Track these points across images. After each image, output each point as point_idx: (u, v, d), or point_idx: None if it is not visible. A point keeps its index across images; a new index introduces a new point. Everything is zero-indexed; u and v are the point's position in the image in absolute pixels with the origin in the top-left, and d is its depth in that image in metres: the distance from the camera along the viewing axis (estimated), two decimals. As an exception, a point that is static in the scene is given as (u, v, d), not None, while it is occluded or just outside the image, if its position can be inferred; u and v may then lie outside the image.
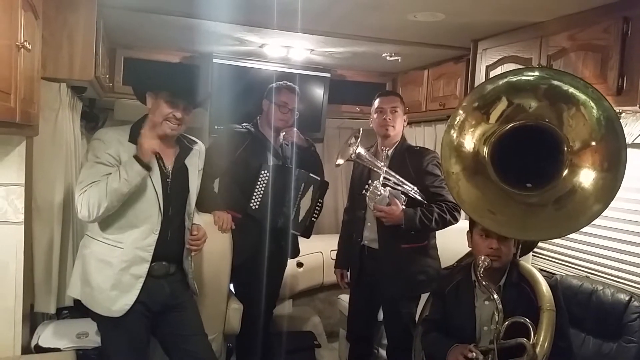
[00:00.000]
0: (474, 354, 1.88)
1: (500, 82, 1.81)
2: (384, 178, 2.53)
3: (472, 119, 1.85)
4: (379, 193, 2.48)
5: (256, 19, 2.70)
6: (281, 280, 3.08)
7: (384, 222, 2.52)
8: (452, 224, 2.55)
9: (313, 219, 2.87)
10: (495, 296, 1.88)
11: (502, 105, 1.82)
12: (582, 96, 1.72)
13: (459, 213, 2.53)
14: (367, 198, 2.54)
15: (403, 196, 2.53)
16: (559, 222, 1.80)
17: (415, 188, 2.57)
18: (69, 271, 2.33)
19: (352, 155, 2.59)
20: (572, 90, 1.74)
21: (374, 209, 2.51)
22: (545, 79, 1.78)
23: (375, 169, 2.59)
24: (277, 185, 2.76)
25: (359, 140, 2.56)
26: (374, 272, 2.65)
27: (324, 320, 3.79)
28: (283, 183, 2.78)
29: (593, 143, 1.73)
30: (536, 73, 1.83)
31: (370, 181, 2.56)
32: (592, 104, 1.71)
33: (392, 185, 2.54)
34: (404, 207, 2.49)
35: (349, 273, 2.89)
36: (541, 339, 1.80)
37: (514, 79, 1.81)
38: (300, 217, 2.84)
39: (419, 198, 2.56)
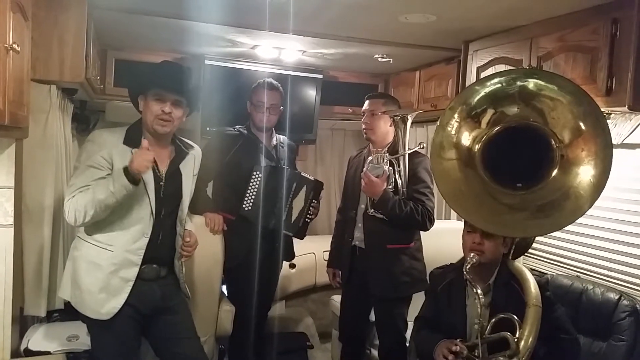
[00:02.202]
0: (458, 348, 1.91)
1: (477, 98, 1.87)
2: (395, 159, 2.56)
3: (460, 122, 1.90)
4: (379, 164, 2.54)
5: (248, 21, 2.70)
6: (276, 281, 3.07)
7: (362, 189, 2.58)
8: (419, 227, 2.60)
9: (307, 219, 2.86)
10: (479, 291, 1.91)
11: (489, 113, 1.88)
12: (552, 87, 1.79)
13: (431, 222, 2.57)
14: (369, 159, 2.59)
15: (392, 184, 2.56)
16: (535, 224, 1.86)
17: (405, 190, 2.58)
18: (59, 274, 2.32)
19: (397, 116, 2.57)
20: (540, 84, 1.80)
21: (364, 174, 2.55)
22: (511, 83, 1.84)
23: (400, 145, 2.59)
24: (269, 186, 2.75)
25: (413, 116, 2.61)
26: (363, 271, 2.67)
27: (316, 321, 3.79)
28: (275, 184, 2.78)
29: (580, 123, 1.77)
30: (497, 79, 1.89)
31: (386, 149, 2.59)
32: (563, 91, 1.77)
33: (395, 168, 2.57)
34: (386, 188, 2.52)
35: (341, 273, 2.89)
36: (525, 333, 1.82)
37: (488, 90, 1.86)
38: (293, 218, 2.83)
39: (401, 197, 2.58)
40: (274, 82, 2.88)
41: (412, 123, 3.79)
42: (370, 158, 2.62)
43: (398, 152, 2.60)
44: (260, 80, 2.88)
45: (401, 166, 2.58)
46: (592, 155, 1.75)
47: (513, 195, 1.87)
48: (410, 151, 2.58)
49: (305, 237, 2.96)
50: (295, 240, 3.00)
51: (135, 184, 1.88)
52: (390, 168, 2.56)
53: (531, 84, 1.82)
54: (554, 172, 1.82)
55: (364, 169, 2.61)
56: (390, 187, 2.55)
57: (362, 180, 2.56)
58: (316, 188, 2.87)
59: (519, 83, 1.82)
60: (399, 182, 2.57)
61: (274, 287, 3.07)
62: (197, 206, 2.49)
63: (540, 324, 1.84)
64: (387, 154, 2.57)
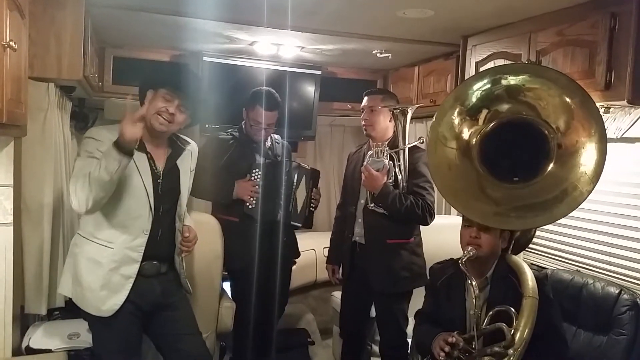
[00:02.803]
0: (455, 339, 1.92)
1: (469, 96, 1.88)
2: (395, 153, 2.57)
3: (455, 119, 1.92)
4: (380, 158, 2.55)
5: (246, 17, 2.69)
6: (289, 275, 3.06)
7: (362, 183, 2.59)
8: (419, 221, 2.60)
9: (311, 209, 2.87)
10: (474, 283, 1.92)
11: (482, 111, 1.90)
12: (542, 80, 1.80)
13: (431, 217, 2.57)
14: (370, 153, 2.61)
15: (392, 177, 2.57)
16: (532, 216, 1.88)
17: (405, 184, 2.58)
18: (60, 272, 2.32)
19: (397, 109, 2.58)
20: (530, 79, 1.82)
21: (364, 167, 2.57)
22: (500, 80, 1.85)
23: (400, 139, 2.60)
24: (270, 181, 2.76)
25: (413, 110, 2.60)
26: (364, 267, 2.67)
27: (317, 317, 3.80)
28: (276, 177, 2.78)
29: (573, 114, 1.77)
30: (488, 77, 1.89)
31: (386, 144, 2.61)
32: (555, 83, 1.78)
33: (395, 162, 2.58)
34: (387, 182, 2.53)
35: (340, 269, 2.90)
36: (521, 325, 1.82)
37: (479, 88, 1.87)
38: (299, 208, 2.83)
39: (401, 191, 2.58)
40: (274, 95, 2.80)
41: (412, 118, 3.81)
42: (370, 152, 2.62)
43: (398, 147, 2.60)
44: (257, 89, 2.83)
45: (401, 160, 2.58)
46: (586, 146, 1.76)
47: (510, 188, 1.87)
48: (409, 145, 2.58)
49: (307, 230, 2.96)
50: (299, 238, 3.00)
51: (128, 154, 1.83)
52: (390, 162, 2.57)
53: (518, 79, 1.83)
54: (551, 165, 1.83)
55: (364, 162, 2.61)
56: (391, 181, 2.56)
57: (362, 174, 2.56)
58: (314, 176, 2.89)
59: (504, 82, 1.84)
60: (399, 176, 2.57)
61: (287, 281, 3.06)
62: (201, 191, 2.52)
63: (536, 316, 1.84)
64: (387, 148, 2.57)
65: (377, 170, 2.52)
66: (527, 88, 1.82)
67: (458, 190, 1.94)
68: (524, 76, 1.83)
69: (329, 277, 2.98)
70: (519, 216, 1.88)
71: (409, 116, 2.58)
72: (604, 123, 1.77)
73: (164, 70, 2.13)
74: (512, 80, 1.83)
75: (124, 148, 1.81)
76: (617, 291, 2.26)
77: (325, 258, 3.08)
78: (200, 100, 2.11)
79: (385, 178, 2.53)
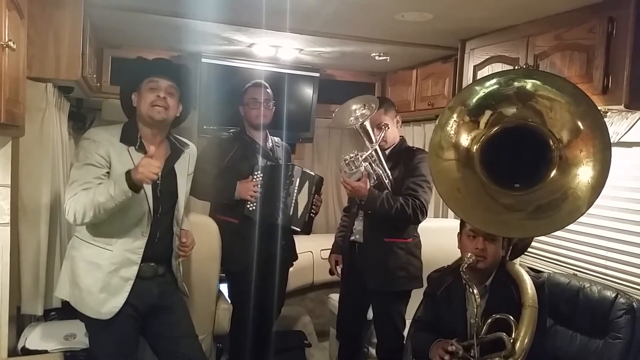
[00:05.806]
0: (454, 348, 1.90)
1: (475, 98, 1.84)
2: (370, 155, 2.57)
3: (459, 122, 1.89)
4: (355, 167, 2.55)
5: (244, 19, 2.69)
6: (286, 278, 3.06)
7: (347, 195, 2.64)
8: (411, 221, 2.59)
9: (311, 214, 2.86)
10: (475, 291, 1.90)
11: (487, 114, 1.86)
12: (550, 87, 1.76)
13: (423, 215, 2.56)
14: (343, 163, 2.60)
15: (374, 177, 2.59)
16: (533, 224, 1.84)
17: (391, 178, 2.60)
18: (57, 272, 2.32)
19: (357, 124, 2.59)
20: (538, 84, 1.78)
21: (342, 180, 2.58)
22: (509, 83, 1.81)
23: (367, 142, 2.61)
24: (271, 183, 2.75)
25: (373, 112, 2.58)
26: (361, 266, 2.68)
27: (314, 319, 3.80)
28: (278, 180, 2.77)
29: (578, 124, 1.74)
30: (496, 79, 1.85)
31: (356, 151, 2.60)
32: (562, 92, 1.75)
33: (371, 162, 2.58)
34: (371, 187, 2.54)
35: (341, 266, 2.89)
36: (521, 334, 1.81)
37: (486, 90, 1.83)
38: (299, 213, 2.81)
39: (387, 187, 2.59)
40: (262, 81, 2.93)
41: (410, 122, 3.82)
42: (342, 165, 2.62)
43: (400, 149, 2.66)
44: (248, 84, 2.92)
45: (375, 156, 2.59)
46: (590, 156, 1.72)
47: (511, 195, 1.84)
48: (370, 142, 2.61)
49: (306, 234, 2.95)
50: (297, 240, 3.00)
51: (136, 191, 1.87)
52: (366, 164, 2.56)
53: (529, 84, 1.79)
54: (552, 173, 1.80)
55: (342, 173, 2.61)
56: (374, 181, 2.57)
57: (345, 188, 2.58)
58: (318, 183, 2.89)
59: (517, 84, 1.80)
60: (379, 170, 2.58)
61: (284, 284, 3.05)
62: (202, 191, 2.53)
63: (536, 325, 1.84)
64: (359, 155, 2.56)
65: (358, 180, 2.53)
66: (539, 95, 1.78)
67: (482, 211, 1.87)
68: (534, 81, 1.79)
69: (331, 268, 2.93)
70: (547, 216, 1.81)
71: (367, 123, 2.60)
72: (609, 134, 1.74)
73: (140, 67, 2.14)
74: (524, 83, 1.79)
75: (135, 184, 1.84)
76: (613, 295, 2.26)
77: (322, 260, 3.08)
78: (184, 79, 2.12)
79: (368, 184, 2.53)
